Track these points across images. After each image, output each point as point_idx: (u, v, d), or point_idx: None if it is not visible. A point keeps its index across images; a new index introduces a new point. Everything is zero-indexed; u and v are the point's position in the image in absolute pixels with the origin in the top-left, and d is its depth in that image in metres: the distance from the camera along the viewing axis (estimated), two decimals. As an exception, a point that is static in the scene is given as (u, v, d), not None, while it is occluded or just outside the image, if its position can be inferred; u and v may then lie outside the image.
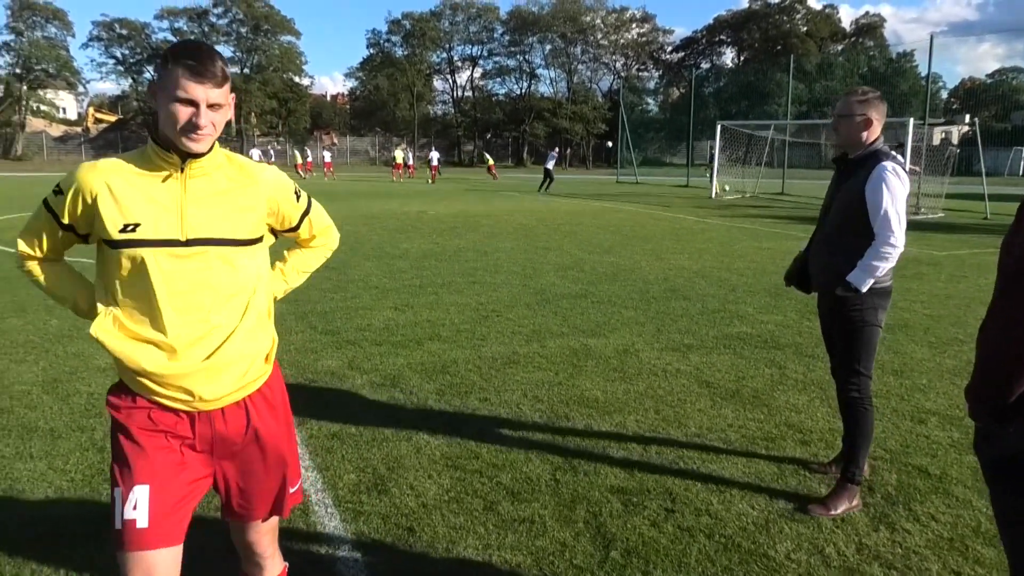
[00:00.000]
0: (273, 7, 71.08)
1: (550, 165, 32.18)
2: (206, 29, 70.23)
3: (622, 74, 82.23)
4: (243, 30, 70.85)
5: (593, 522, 3.30)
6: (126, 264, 1.88)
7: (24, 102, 65.07)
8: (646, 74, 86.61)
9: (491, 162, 48.47)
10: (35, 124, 68.18)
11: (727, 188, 29.32)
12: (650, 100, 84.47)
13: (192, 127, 1.83)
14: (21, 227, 2.04)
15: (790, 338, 6.49)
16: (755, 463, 3.96)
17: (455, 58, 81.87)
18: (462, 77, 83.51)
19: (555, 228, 15.87)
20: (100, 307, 1.93)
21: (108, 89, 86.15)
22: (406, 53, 77.80)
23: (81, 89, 74.29)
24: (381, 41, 79.26)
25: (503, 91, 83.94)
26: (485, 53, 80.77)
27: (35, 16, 64.77)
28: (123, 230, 1.85)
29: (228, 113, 1.94)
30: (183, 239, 1.89)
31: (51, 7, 65.44)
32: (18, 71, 64.36)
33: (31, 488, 3.55)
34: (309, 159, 49.45)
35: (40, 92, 67.46)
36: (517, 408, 4.72)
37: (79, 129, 73.47)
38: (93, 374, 5.26)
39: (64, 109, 75.76)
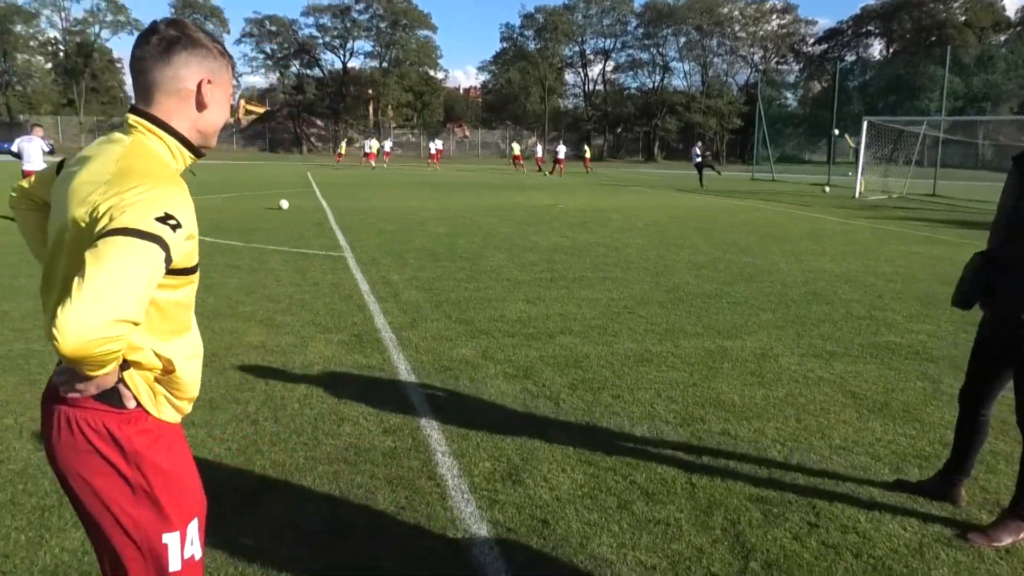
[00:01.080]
0: (411, 2, 73.10)
1: (697, 160, 31.86)
2: (348, 24, 73.10)
3: (760, 67, 79.63)
4: (382, 25, 73.28)
5: (731, 530, 3.21)
6: (191, 288, 1.72)
7: (183, 94, 69.68)
8: (785, 67, 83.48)
9: (516, 152, 48.52)
10: (192, 115, 72.92)
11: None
12: (789, 94, 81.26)
13: (223, 123, 1.86)
14: (94, 287, 1.37)
15: (944, 350, 6.08)
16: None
17: (587, 51, 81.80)
18: (594, 71, 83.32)
19: (688, 225, 15.54)
20: (148, 347, 1.64)
21: (257, 82, 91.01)
22: (538, 47, 78.24)
23: (234, 83, 78.83)
24: (514, 35, 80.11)
25: (635, 85, 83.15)
26: (618, 46, 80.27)
27: (195, 14, 69.41)
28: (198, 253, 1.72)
29: None
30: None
31: (209, 5, 70.03)
32: (179, 65, 68.97)
33: (194, 453, 3.79)
34: (439, 148, 50.71)
35: (197, 85, 72.03)
36: (650, 407, 4.65)
37: (231, 120, 78.14)
38: (246, 350, 5.58)
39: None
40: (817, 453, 4.03)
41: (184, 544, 1.74)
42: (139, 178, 1.53)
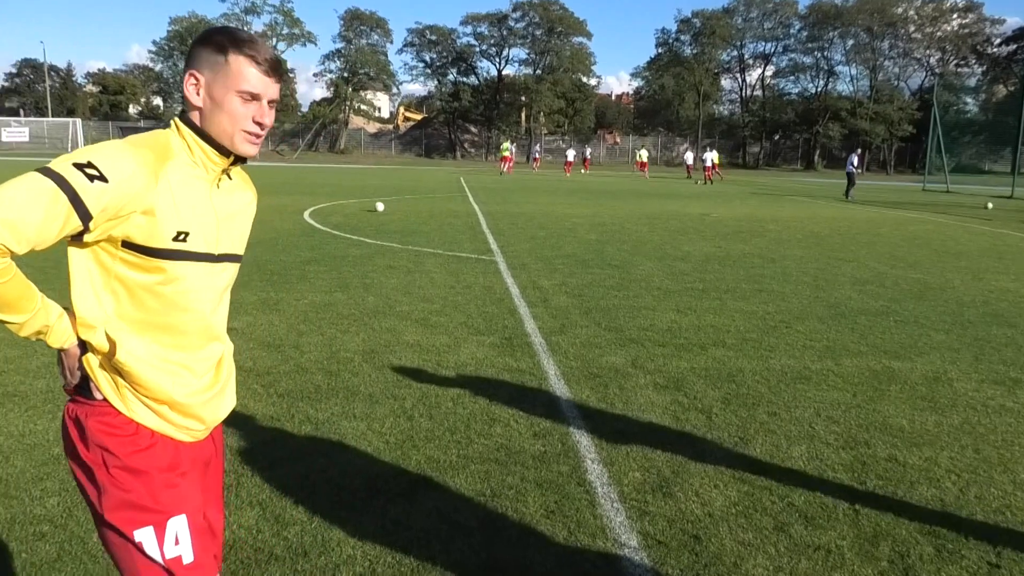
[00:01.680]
0: (567, 9, 73.57)
1: (852, 168, 29.90)
2: (504, 32, 74.51)
3: (936, 70, 74.20)
4: (538, 32, 74.12)
5: (900, 563, 3.01)
6: (164, 276, 1.63)
7: (348, 102, 73.61)
8: (966, 70, 77.29)
9: (505, 152, 46.27)
10: (355, 122, 76.90)
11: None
12: (969, 99, 75.28)
13: (256, 126, 1.68)
14: None
15: None
16: (1106, 526, 3.37)
17: (746, 56, 79.20)
18: (752, 76, 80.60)
19: (851, 237, 14.75)
20: (98, 325, 1.63)
21: (416, 90, 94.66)
22: (695, 52, 76.64)
23: (395, 90, 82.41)
24: (670, 40, 78.83)
25: (796, 90, 79.63)
26: (779, 50, 77.21)
27: (362, 25, 72.99)
28: (176, 238, 1.62)
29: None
30: (216, 253, 1.73)
31: (375, 16, 73.36)
32: (345, 75, 72.93)
33: (354, 444, 4.00)
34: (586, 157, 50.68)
35: (361, 93, 75.78)
36: (809, 427, 4.45)
37: (390, 126, 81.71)
38: (403, 348, 5.80)
39: (379, 108, 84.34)
40: (998, 488, 3.72)
41: (163, 542, 1.67)
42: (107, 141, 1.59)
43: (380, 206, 17.24)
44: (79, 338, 1.65)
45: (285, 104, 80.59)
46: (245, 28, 64.05)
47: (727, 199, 26.41)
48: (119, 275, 1.62)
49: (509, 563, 2.95)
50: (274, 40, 72.78)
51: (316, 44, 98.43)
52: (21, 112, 71.92)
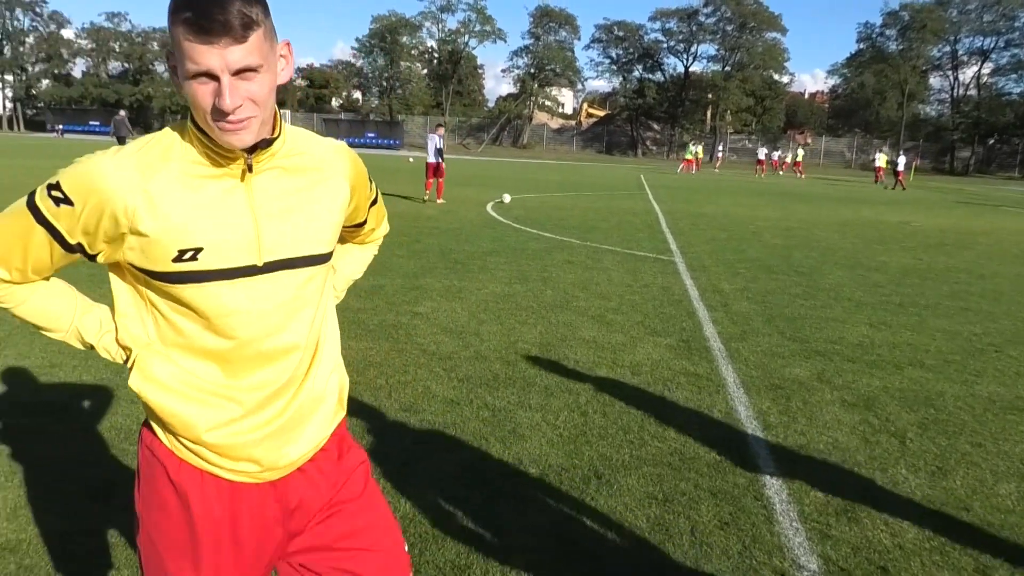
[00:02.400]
0: (762, 4, 70.81)
1: None
2: (694, 28, 72.89)
3: None
4: (729, 28, 71.90)
5: None
6: (183, 301, 1.37)
7: (533, 98, 74.87)
8: None
9: (689, 155, 45.41)
10: (539, 117, 78.11)
11: None
12: None
13: (219, 113, 1.24)
14: None
15: None
16: None
17: (960, 52, 72.60)
18: (966, 74, 73.79)
19: (1077, 255, 13.20)
20: (135, 348, 1.44)
21: (601, 86, 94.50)
22: (900, 48, 71.27)
23: (579, 87, 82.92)
24: (873, 35, 73.83)
25: (1018, 89, 72.04)
26: (1000, 45, 70.05)
27: (551, 22, 73.94)
28: (180, 258, 1.32)
29: (275, 73, 1.31)
30: (260, 263, 1.38)
31: (564, 13, 74.17)
32: (532, 71, 74.23)
33: (528, 434, 4.08)
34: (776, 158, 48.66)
35: (546, 89, 76.83)
36: (1020, 463, 4.03)
37: (573, 123, 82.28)
38: (579, 344, 5.84)
39: (563, 104, 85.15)
40: None
41: None
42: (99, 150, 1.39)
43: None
44: None
45: (473, 100, 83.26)
46: (441, 25, 65.62)
47: (929, 207, 24.42)
48: (149, 297, 1.41)
49: (681, 570, 2.90)
50: (466, 37, 75.31)
51: (506, 41, 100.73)
52: (240, 103, 79.08)
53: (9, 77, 77.72)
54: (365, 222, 1.77)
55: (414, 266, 8.80)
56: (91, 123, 68.53)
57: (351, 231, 1.77)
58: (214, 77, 1.22)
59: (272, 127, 1.37)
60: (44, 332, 1.50)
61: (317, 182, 1.48)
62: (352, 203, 1.61)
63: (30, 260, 1.38)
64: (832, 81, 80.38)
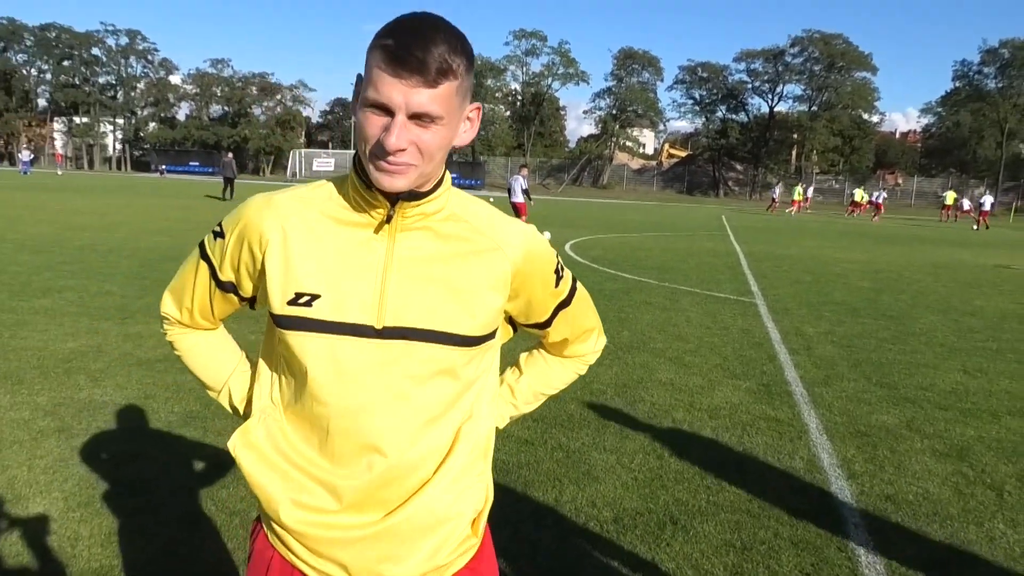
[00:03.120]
0: (851, 43, 69.45)
1: None
2: (780, 68, 71.95)
3: None
4: (816, 68, 70.69)
5: None
6: (291, 352, 1.27)
7: (614, 139, 75.04)
8: None
9: (798, 196, 44.46)
10: (620, 157, 78.11)
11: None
12: None
13: (380, 150, 1.16)
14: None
15: None
16: None
17: (1064, 89, 69.30)
18: (1071, 111, 70.29)
19: None
20: (255, 408, 1.37)
21: (682, 127, 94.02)
22: (1000, 85, 68.61)
23: (660, 127, 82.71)
24: (970, 72, 71.29)
25: None
26: (1108, 82, 66.60)
27: (634, 64, 74.27)
28: (293, 301, 1.25)
29: (454, 131, 1.22)
30: (378, 326, 1.24)
31: (648, 55, 74.34)
32: (614, 112, 74.52)
33: (604, 476, 4.04)
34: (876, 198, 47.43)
35: (628, 130, 76.91)
36: None
37: (654, 163, 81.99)
38: (656, 385, 5.77)
39: (644, 145, 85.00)
40: None
41: None
42: None
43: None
44: None
45: (554, 140, 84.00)
46: (524, 68, 66.46)
47: (1032, 250, 23.25)
48: (282, 351, 1.33)
49: (757, 621, 2.81)
50: (550, 79, 76.27)
51: (588, 83, 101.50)
52: (329, 145, 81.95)
53: (120, 120, 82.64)
54: (549, 324, 1.50)
55: (492, 304, 8.88)
56: (191, 164, 71.98)
57: (535, 330, 1.53)
58: (389, 112, 1.14)
59: (433, 186, 1.27)
60: (207, 391, 1.53)
61: (470, 253, 1.30)
62: (522, 293, 1.38)
63: (196, 299, 1.41)
64: (925, 120, 77.85)
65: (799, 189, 47.10)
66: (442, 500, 1.31)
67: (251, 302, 1.40)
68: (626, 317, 8.46)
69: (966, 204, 36.43)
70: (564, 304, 1.49)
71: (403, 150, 1.15)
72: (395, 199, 1.23)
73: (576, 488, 3.87)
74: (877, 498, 3.92)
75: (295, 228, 1.27)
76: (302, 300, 1.24)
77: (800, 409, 5.37)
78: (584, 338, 1.61)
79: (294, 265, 1.26)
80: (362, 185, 1.25)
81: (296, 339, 1.26)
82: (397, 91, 1.12)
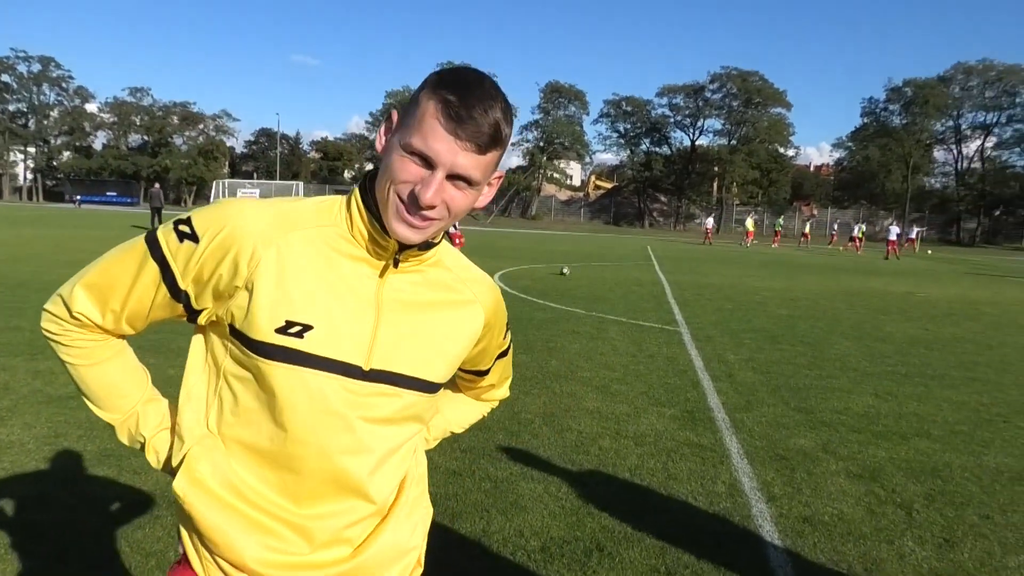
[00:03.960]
0: (767, 80, 72.43)
1: None
2: (700, 104, 74.41)
3: None
4: (735, 104, 73.36)
5: None
6: (272, 385, 1.18)
7: (542, 170, 76.07)
8: None
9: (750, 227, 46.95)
10: (547, 189, 79.21)
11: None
12: None
13: (413, 202, 1.14)
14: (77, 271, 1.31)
15: None
16: None
17: (963, 126, 73.69)
18: (969, 147, 74.74)
19: (1086, 326, 13.14)
20: (189, 441, 1.25)
21: (608, 159, 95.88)
22: (904, 122, 72.48)
23: (587, 159, 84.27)
24: (877, 109, 75.20)
25: (1022, 162, 72.79)
26: (1002, 120, 71.12)
27: (561, 97, 75.66)
28: (283, 330, 1.17)
29: (478, 197, 1.21)
30: (366, 367, 1.22)
31: (574, 89, 75.90)
32: (541, 144, 75.62)
33: (531, 505, 4.05)
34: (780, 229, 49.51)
35: (555, 162, 78.12)
36: (1029, 536, 3.98)
37: (581, 194, 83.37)
38: (583, 414, 5.83)
39: (571, 176, 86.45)
40: None
41: None
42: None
43: (566, 270, 17.65)
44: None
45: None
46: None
47: (936, 277, 24.45)
48: (227, 375, 1.23)
49: (681, 645, 2.85)
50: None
51: (516, 116, 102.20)
52: (254, 175, 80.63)
53: (32, 149, 79.59)
54: (487, 372, 1.57)
55: (420, 335, 8.84)
56: (108, 194, 69.87)
57: (470, 379, 1.60)
58: (430, 165, 1.12)
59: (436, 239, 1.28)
60: (100, 412, 1.32)
61: (453, 303, 1.32)
62: (481, 343, 1.43)
63: (130, 302, 1.22)
64: (837, 154, 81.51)
65: (780, 221, 48.54)
66: (403, 532, 1.35)
67: (194, 316, 1.24)
68: (554, 346, 8.54)
69: (892, 235, 38.27)
70: (503, 354, 1.58)
71: (435, 207, 1.14)
72: (405, 246, 1.22)
73: (504, 518, 3.87)
74: (795, 520, 4.04)
75: (292, 249, 1.19)
76: (293, 330, 1.17)
77: (722, 435, 5.50)
78: (504, 383, 1.71)
79: (289, 290, 1.17)
80: (374, 226, 1.21)
81: (280, 371, 1.18)
82: (448, 148, 1.11)
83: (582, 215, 77.55)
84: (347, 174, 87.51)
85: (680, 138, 79.51)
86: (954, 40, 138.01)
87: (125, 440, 1.33)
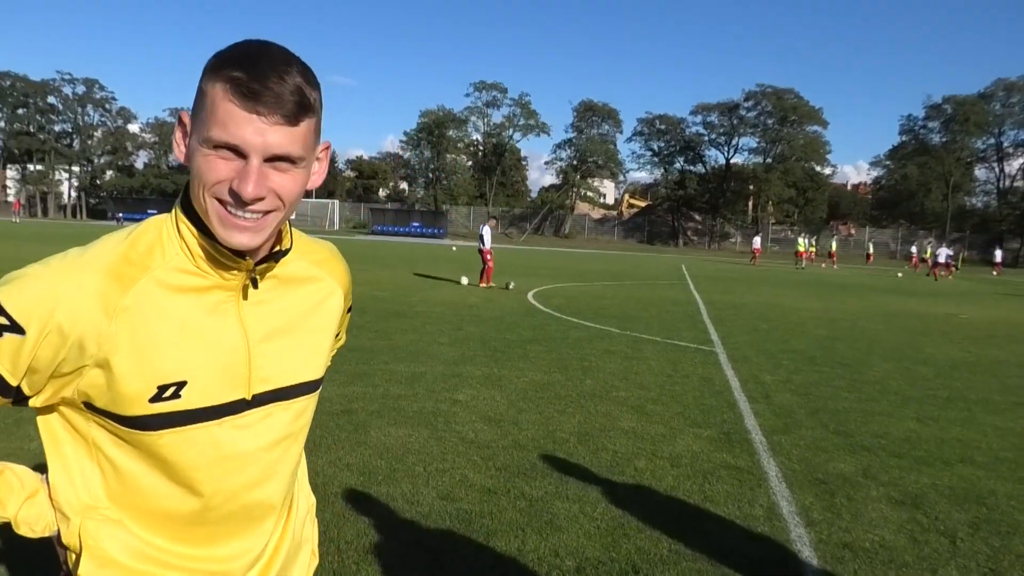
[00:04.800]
0: (802, 98, 71.81)
1: None
2: (735, 122, 73.97)
3: None
4: (770, 121, 72.81)
5: None
6: (159, 452, 1.09)
7: (575, 189, 76.10)
8: None
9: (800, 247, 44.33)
10: (581, 207, 79.14)
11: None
12: None
13: (235, 200, 1.01)
14: None
15: None
16: None
17: (1004, 144, 72.30)
18: (1012, 165, 73.24)
19: None
20: (74, 516, 1.12)
21: (642, 177, 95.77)
22: (944, 140, 71.31)
23: (620, 178, 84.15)
24: (916, 127, 74.07)
25: (1067, 180, 71.04)
26: (1046, 137, 69.51)
27: (594, 116, 75.79)
28: (158, 397, 1.06)
29: (309, 173, 1.09)
30: (249, 396, 1.14)
31: (607, 108, 75.95)
32: (574, 163, 75.72)
33: (566, 525, 4.04)
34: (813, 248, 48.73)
35: (588, 180, 78.09)
36: (1079, 567, 3.87)
37: (614, 213, 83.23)
38: (618, 434, 5.80)
39: (604, 195, 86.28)
40: None
41: None
42: (49, 256, 1.08)
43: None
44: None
45: (516, 190, 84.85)
46: (486, 120, 66.95)
47: (978, 299, 23.96)
48: (98, 444, 1.10)
49: (719, 671, 2.82)
50: (511, 131, 77.37)
51: (549, 135, 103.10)
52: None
53: (76, 168, 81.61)
54: (339, 335, 1.47)
55: (455, 354, 8.88)
56: (149, 211, 71.03)
57: None
58: (241, 155, 0.99)
59: (287, 239, 1.18)
60: None
61: (315, 294, 1.25)
62: (343, 316, 1.37)
63: None
64: (875, 172, 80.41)
65: (803, 241, 47.09)
66: (299, 532, 1.33)
67: (23, 401, 1.07)
68: (589, 365, 8.51)
69: (943, 256, 37.57)
70: (350, 308, 1.46)
71: (262, 198, 1.01)
72: (260, 261, 1.11)
73: (539, 537, 3.86)
74: (835, 546, 3.97)
75: (138, 305, 1.03)
76: (167, 393, 1.05)
77: (760, 457, 5.43)
78: (345, 335, 1.62)
79: (149, 355, 1.04)
80: (208, 243, 1.07)
81: (164, 439, 1.07)
82: (253, 130, 0.98)
83: (616, 234, 77.33)
84: (382, 192, 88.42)
85: (715, 156, 79.13)
86: (994, 56, 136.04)
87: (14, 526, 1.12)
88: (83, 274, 1.01)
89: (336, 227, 67.94)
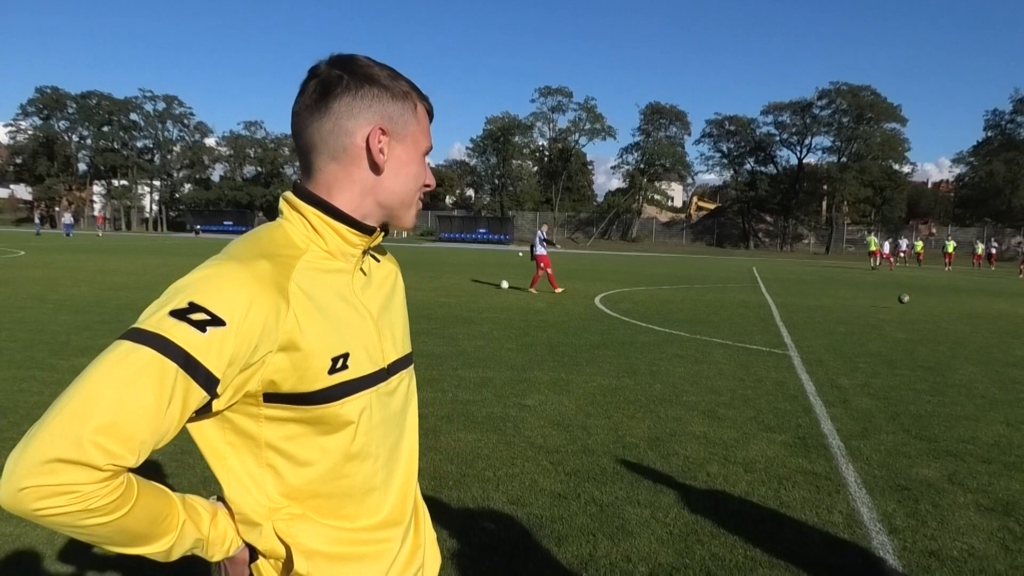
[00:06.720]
0: (879, 95, 69.54)
1: None
2: (808, 121, 72.14)
3: None
4: (845, 120, 70.76)
5: None
6: (333, 425, 1.17)
7: (643, 192, 75.42)
8: None
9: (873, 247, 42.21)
10: (648, 211, 78.39)
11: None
12: None
13: (422, 189, 1.33)
14: (60, 415, 0.95)
15: None
16: None
17: (1102, 136, 68.58)
18: (1109, 158, 69.35)
19: None
20: (262, 520, 1.17)
21: (711, 179, 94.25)
22: (1034, 134, 68.08)
23: (688, 180, 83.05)
24: (1002, 122, 70.91)
25: None
26: None
27: (661, 119, 75.05)
28: (332, 368, 1.14)
29: None
30: (385, 366, 1.27)
31: (675, 110, 75.14)
32: (642, 166, 75.08)
33: (638, 531, 3.99)
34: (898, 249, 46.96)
35: (656, 184, 77.32)
36: None
37: (682, 216, 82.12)
38: (689, 439, 5.71)
39: (672, 198, 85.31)
40: None
41: None
42: (205, 263, 1.11)
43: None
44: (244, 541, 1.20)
45: (582, 195, 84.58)
46: (551, 125, 66.93)
47: (1073, 299, 22.76)
48: (271, 443, 1.15)
49: None
50: (576, 135, 77.27)
51: (615, 138, 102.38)
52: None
53: (157, 182, 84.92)
54: None
55: (522, 359, 8.89)
56: (225, 223, 73.52)
57: None
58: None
59: None
60: (147, 548, 1.07)
61: (389, 275, 1.40)
62: None
63: (159, 425, 0.99)
64: (957, 169, 77.26)
65: (874, 240, 45.21)
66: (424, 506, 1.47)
67: (210, 403, 1.06)
68: (658, 370, 8.40)
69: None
70: None
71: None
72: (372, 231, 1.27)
73: (610, 543, 3.82)
74: (920, 554, 3.82)
75: (303, 287, 1.13)
76: (339, 364, 1.15)
77: (838, 462, 5.27)
78: None
79: (320, 329, 1.13)
80: (350, 227, 1.22)
81: (347, 406, 1.17)
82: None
83: (684, 237, 76.29)
84: (448, 199, 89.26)
85: (786, 156, 77.31)
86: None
87: (180, 555, 1.12)
88: (255, 265, 1.10)
89: (404, 235, 68.82)
